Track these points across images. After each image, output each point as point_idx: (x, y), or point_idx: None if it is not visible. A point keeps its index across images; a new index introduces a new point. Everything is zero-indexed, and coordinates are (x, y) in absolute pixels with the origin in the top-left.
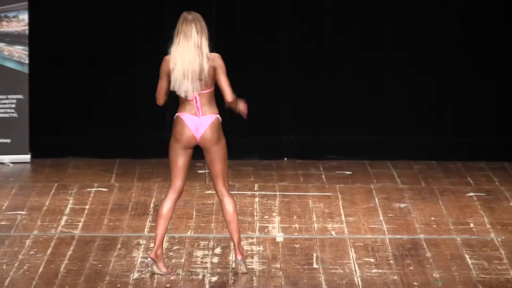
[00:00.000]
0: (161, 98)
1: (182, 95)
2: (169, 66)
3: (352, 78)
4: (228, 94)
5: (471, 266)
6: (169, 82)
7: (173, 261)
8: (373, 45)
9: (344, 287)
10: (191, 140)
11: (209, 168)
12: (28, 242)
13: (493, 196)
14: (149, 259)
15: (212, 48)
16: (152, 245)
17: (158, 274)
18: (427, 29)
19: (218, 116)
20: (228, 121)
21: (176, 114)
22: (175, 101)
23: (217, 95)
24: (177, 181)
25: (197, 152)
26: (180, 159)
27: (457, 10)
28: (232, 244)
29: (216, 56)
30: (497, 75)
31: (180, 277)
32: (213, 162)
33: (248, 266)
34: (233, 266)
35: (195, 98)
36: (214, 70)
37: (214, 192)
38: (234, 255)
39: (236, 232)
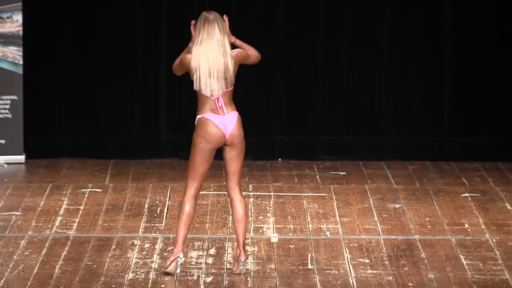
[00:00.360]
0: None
1: (208, 94)
2: (190, 64)
3: (347, 78)
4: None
5: (466, 267)
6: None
7: (168, 261)
8: (367, 45)
9: None
10: (221, 139)
11: (227, 166)
12: (22, 242)
13: (488, 197)
14: (182, 255)
15: None
16: (147, 245)
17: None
18: (421, 30)
19: (238, 113)
20: None
21: (199, 116)
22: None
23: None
24: (195, 184)
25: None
26: (206, 162)
27: (450, 11)
28: (226, 244)
29: (236, 51)
30: (491, 75)
31: (175, 277)
32: (234, 158)
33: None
34: (229, 266)
35: (218, 97)
36: (237, 64)
37: (207, 192)
38: (228, 254)
39: (243, 233)
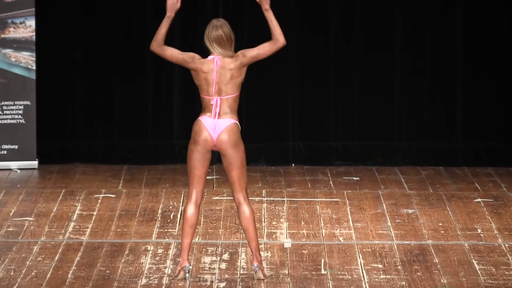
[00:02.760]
0: (160, 44)
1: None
2: (197, 65)
3: (360, 84)
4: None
5: (479, 272)
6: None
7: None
8: (381, 51)
9: None
10: (208, 141)
11: (226, 175)
12: (35, 248)
13: (501, 202)
14: (187, 265)
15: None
16: (160, 250)
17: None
18: (434, 35)
19: (237, 122)
20: None
21: (197, 118)
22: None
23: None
24: (195, 189)
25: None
26: (200, 165)
27: (462, 12)
28: (240, 249)
29: (239, 53)
30: (505, 80)
31: (188, 283)
32: (229, 167)
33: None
34: (242, 272)
35: (216, 101)
36: (244, 65)
37: (220, 198)
38: (242, 260)
39: (253, 239)
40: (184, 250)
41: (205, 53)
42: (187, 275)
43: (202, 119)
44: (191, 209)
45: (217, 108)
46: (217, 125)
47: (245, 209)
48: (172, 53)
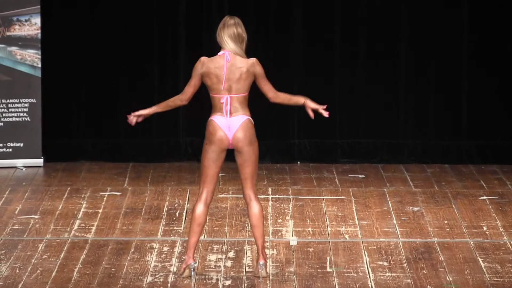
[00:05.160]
0: (186, 98)
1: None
2: (204, 67)
3: (366, 82)
4: (272, 94)
5: (484, 270)
6: (200, 81)
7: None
8: (386, 49)
9: None
10: (224, 140)
11: (239, 171)
12: (41, 246)
13: (506, 200)
14: (193, 263)
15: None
16: (165, 248)
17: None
18: (440, 34)
19: (250, 118)
20: None
21: (209, 119)
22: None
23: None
24: (206, 188)
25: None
26: (213, 165)
27: (467, 12)
28: (245, 247)
29: (253, 60)
30: (510, 78)
31: (194, 280)
32: (243, 164)
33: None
34: (247, 269)
35: (226, 99)
36: (253, 75)
37: (226, 195)
38: (247, 257)
39: (261, 237)
40: (190, 248)
41: (209, 54)
42: (192, 273)
43: (215, 119)
44: (200, 208)
45: (228, 106)
46: (231, 124)
47: (255, 206)
48: (195, 85)
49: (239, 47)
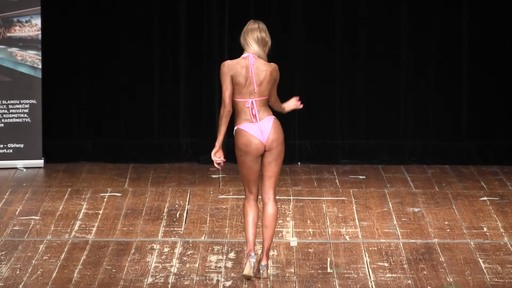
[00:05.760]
0: (229, 102)
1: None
2: (231, 69)
3: (366, 83)
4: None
5: (485, 271)
6: (232, 83)
7: (187, 265)
8: (387, 50)
9: None
10: (260, 147)
11: (264, 169)
12: (41, 247)
13: (506, 201)
14: (253, 254)
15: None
16: (166, 249)
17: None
18: (439, 35)
19: (273, 116)
20: None
21: (236, 128)
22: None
23: None
24: (254, 189)
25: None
26: (252, 170)
27: (467, 12)
28: (245, 248)
29: (274, 65)
30: (510, 79)
31: (194, 281)
32: (272, 163)
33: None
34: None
35: (251, 103)
36: (274, 80)
37: (227, 196)
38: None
39: (269, 239)
40: (251, 242)
41: (209, 54)
42: (252, 270)
43: (245, 128)
44: (253, 207)
45: (254, 110)
46: (263, 128)
47: (272, 207)
48: (229, 88)
49: (262, 50)
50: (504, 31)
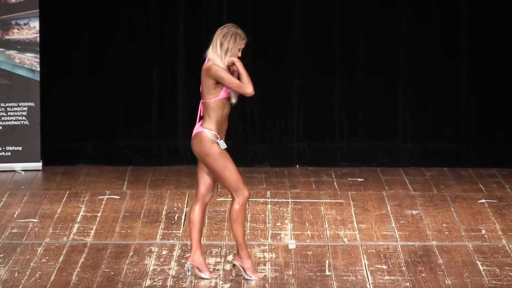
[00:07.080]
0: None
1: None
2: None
3: (364, 85)
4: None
5: (483, 273)
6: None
7: (186, 268)
8: (385, 52)
9: None
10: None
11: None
12: (40, 250)
13: (505, 203)
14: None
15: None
16: (164, 252)
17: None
18: (439, 35)
19: (205, 130)
20: (240, 128)
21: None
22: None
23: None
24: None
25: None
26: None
27: (467, 11)
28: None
29: (210, 66)
30: (509, 81)
31: (193, 284)
32: (211, 175)
33: (261, 273)
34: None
35: (200, 106)
36: (214, 80)
37: (225, 199)
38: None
39: (234, 238)
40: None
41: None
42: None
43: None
44: (197, 212)
45: (200, 112)
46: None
47: (231, 209)
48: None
49: (213, 51)
50: (504, 31)
